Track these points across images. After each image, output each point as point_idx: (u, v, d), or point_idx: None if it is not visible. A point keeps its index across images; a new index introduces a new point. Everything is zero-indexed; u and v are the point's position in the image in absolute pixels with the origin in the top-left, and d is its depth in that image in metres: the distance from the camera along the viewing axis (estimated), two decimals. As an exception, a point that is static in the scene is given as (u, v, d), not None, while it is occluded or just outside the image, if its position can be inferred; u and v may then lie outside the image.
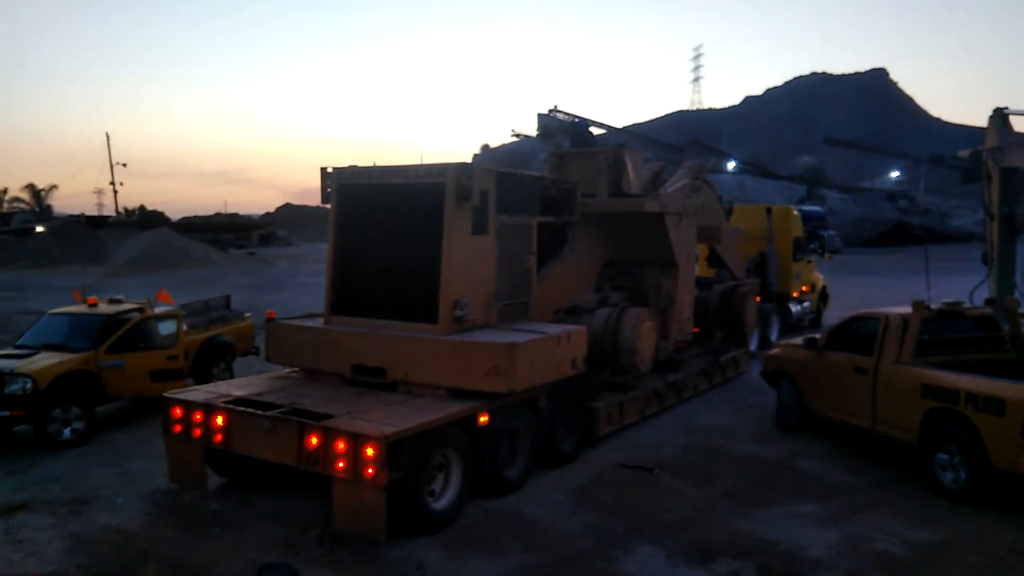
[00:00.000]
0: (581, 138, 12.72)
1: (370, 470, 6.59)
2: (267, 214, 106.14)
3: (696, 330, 12.77)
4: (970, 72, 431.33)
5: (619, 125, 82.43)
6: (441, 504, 7.36)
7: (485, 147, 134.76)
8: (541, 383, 8.37)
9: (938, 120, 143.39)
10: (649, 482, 8.76)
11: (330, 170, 9.14)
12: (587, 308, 10.40)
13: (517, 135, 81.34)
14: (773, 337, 16.85)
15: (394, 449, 6.71)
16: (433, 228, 8.21)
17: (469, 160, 8.88)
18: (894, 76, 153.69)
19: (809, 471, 9.13)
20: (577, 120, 13.44)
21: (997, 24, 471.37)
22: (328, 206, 9.22)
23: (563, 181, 10.48)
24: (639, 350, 9.98)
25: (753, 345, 15.73)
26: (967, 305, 10.03)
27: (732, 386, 13.78)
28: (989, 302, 10.59)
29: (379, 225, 8.82)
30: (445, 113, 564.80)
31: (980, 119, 16.66)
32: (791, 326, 18.11)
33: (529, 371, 7.95)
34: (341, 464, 6.73)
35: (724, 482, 8.74)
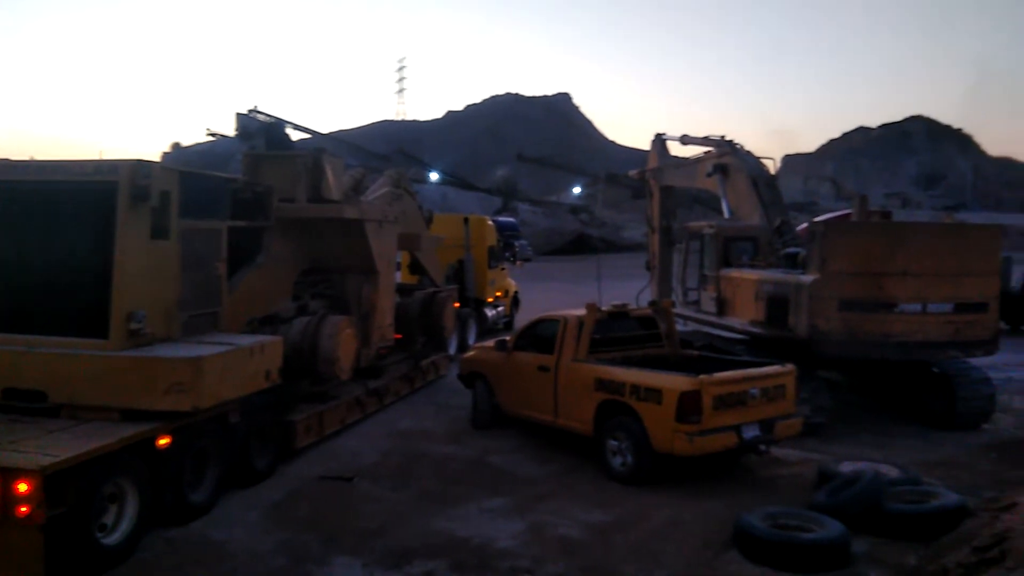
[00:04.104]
0: (277, 140, 12.23)
1: (23, 508, 5.75)
2: None
3: (398, 336, 12.95)
4: (639, 101, 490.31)
5: (325, 130, 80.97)
6: (114, 538, 6.62)
7: (176, 146, 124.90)
8: (231, 398, 7.90)
9: (613, 143, 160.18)
10: (347, 491, 8.67)
11: (-29, 163, 7.86)
12: (285, 317, 10.06)
13: (213, 135, 76.32)
14: (470, 340, 17.56)
15: (54, 482, 5.92)
16: (103, 232, 7.37)
17: (158, 159, 8.12)
18: (576, 101, 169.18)
19: (500, 466, 9.65)
20: (275, 121, 12.86)
21: (662, 58, 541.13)
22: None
23: (258, 184, 10.05)
24: (339, 358, 9.88)
25: (452, 349, 16.29)
26: (632, 306, 11.31)
27: (432, 389, 14.15)
28: (651, 304, 12.04)
29: (35, 228, 7.71)
30: (130, 108, 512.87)
31: (645, 143, 18.97)
32: (487, 330, 19.06)
33: (217, 386, 7.46)
34: (-15, 504, 5.78)
35: (421, 484, 8.94)
